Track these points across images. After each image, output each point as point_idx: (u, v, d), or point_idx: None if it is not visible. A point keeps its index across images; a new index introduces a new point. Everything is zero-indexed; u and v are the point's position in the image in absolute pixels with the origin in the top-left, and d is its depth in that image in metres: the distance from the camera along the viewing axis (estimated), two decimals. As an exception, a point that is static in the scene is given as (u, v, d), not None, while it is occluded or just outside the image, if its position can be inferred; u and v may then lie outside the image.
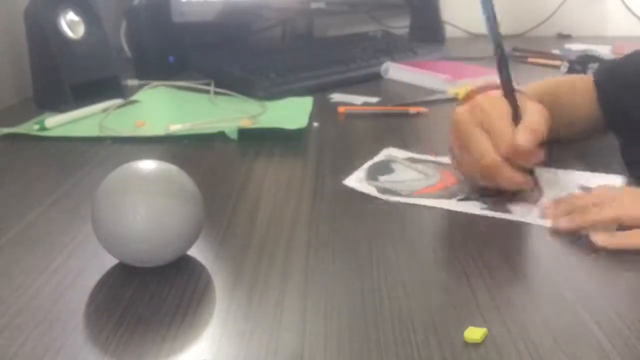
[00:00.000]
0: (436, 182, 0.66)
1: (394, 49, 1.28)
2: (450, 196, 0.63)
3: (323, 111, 0.94)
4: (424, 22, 1.55)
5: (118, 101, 0.95)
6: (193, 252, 0.51)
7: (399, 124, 0.90)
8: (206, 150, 0.79)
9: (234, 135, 0.81)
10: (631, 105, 0.75)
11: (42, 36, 0.91)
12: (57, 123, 0.86)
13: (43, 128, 0.83)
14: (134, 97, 1.00)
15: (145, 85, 1.07)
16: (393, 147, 0.77)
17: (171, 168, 0.50)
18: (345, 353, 0.40)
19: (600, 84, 0.80)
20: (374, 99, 1.00)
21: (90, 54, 0.96)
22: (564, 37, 1.64)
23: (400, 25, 1.61)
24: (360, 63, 1.17)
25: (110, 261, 0.50)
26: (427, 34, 1.51)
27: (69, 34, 0.93)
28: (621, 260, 0.52)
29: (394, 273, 0.49)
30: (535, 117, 0.59)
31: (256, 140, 0.80)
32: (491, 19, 0.60)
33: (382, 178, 0.67)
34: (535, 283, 0.48)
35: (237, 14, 1.24)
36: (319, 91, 1.04)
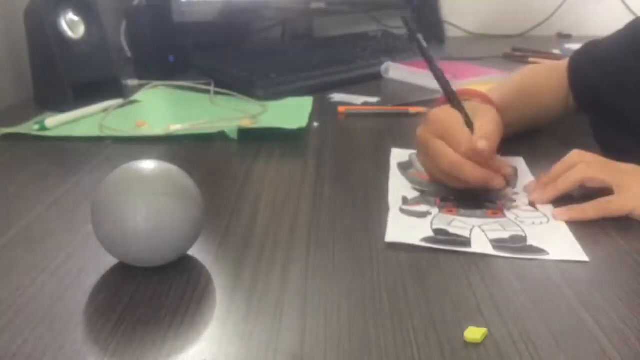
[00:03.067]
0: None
1: (394, 49, 1.28)
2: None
3: (323, 111, 0.94)
4: (424, 22, 1.55)
5: (118, 101, 0.95)
6: (193, 252, 0.51)
7: (399, 124, 0.90)
8: (206, 150, 0.79)
9: (234, 135, 0.81)
10: (595, 81, 0.77)
11: (42, 36, 0.91)
12: (57, 123, 0.85)
13: (43, 128, 0.83)
14: (134, 97, 1.00)
15: (145, 85, 1.07)
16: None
17: (171, 168, 0.50)
18: (345, 353, 0.40)
19: (574, 65, 0.81)
20: (374, 99, 1.00)
21: (90, 54, 0.96)
22: (564, 37, 1.64)
23: (400, 25, 1.61)
24: (360, 63, 1.17)
25: (110, 261, 0.50)
26: (427, 34, 1.51)
27: (69, 34, 0.93)
28: (621, 260, 0.52)
29: (394, 273, 0.49)
30: (488, 126, 0.62)
31: (256, 140, 0.80)
32: (419, 40, 0.69)
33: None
34: (535, 283, 0.48)
35: (237, 14, 1.24)
36: (319, 91, 1.04)
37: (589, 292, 0.46)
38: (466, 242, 0.54)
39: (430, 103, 0.97)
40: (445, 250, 0.52)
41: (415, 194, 0.63)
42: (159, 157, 0.52)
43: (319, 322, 0.43)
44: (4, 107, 0.98)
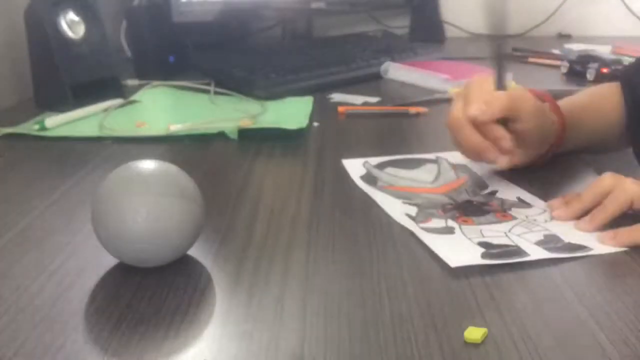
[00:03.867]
0: (440, 185, 0.66)
1: (394, 49, 1.28)
2: (437, 205, 0.61)
3: (323, 111, 0.94)
4: (424, 22, 1.55)
5: (118, 101, 0.95)
6: (193, 252, 0.51)
7: (399, 124, 0.90)
8: (206, 150, 0.79)
9: (234, 135, 0.81)
10: None
11: (42, 36, 0.91)
12: (57, 123, 0.85)
13: (43, 128, 0.83)
14: (134, 97, 1.00)
15: (145, 85, 1.07)
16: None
17: (171, 168, 0.50)
18: (345, 353, 0.40)
19: (625, 85, 0.78)
20: (374, 99, 1.00)
21: (90, 54, 0.96)
22: (564, 37, 1.64)
23: (400, 25, 1.61)
24: (360, 63, 1.17)
25: (110, 261, 0.50)
26: (427, 34, 1.51)
27: (69, 34, 0.93)
28: (621, 260, 0.52)
29: (394, 273, 0.49)
30: (500, 97, 0.62)
31: (256, 140, 0.80)
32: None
33: (391, 170, 0.68)
34: (535, 283, 0.48)
35: (237, 14, 1.24)
36: (319, 91, 1.04)
37: (589, 292, 0.46)
38: (519, 250, 0.52)
39: (430, 103, 0.98)
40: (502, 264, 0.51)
41: (412, 208, 0.60)
42: (159, 157, 0.52)
43: (319, 322, 0.43)
44: (4, 107, 0.98)
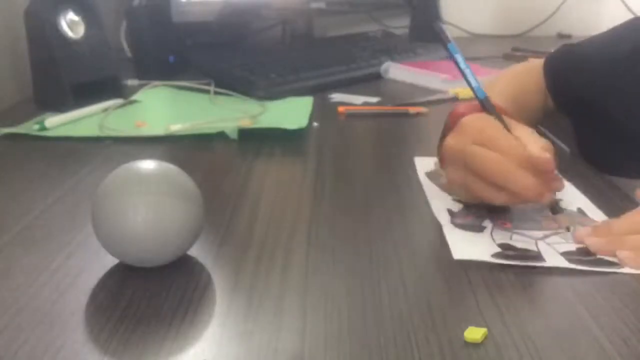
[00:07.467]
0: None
1: (394, 49, 1.28)
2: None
3: (323, 111, 0.94)
4: (424, 22, 1.55)
5: (118, 101, 0.95)
6: (193, 252, 0.51)
7: (399, 124, 0.90)
8: (206, 150, 0.79)
9: (234, 135, 0.81)
10: (580, 84, 0.76)
11: (42, 36, 0.91)
12: (57, 123, 0.85)
13: (43, 128, 0.83)
14: (134, 97, 1.00)
15: (145, 85, 1.07)
16: None
17: (171, 168, 0.50)
18: (345, 353, 0.40)
19: (549, 66, 0.81)
20: (374, 99, 1.00)
21: (90, 54, 0.96)
22: (564, 37, 1.64)
23: (400, 25, 1.61)
24: (360, 63, 1.17)
25: (110, 261, 0.50)
26: (427, 34, 1.51)
27: (69, 34, 0.93)
28: (621, 260, 0.52)
29: (394, 273, 0.49)
30: (537, 136, 0.56)
31: (256, 140, 0.80)
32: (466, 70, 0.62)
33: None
34: (535, 283, 0.48)
35: (237, 14, 1.24)
36: (319, 91, 1.04)
37: (589, 292, 0.46)
38: (537, 256, 0.51)
39: (430, 103, 0.98)
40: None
41: (459, 206, 0.60)
42: (159, 157, 0.52)
43: (319, 322, 0.43)
44: (4, 107, 0.98)
